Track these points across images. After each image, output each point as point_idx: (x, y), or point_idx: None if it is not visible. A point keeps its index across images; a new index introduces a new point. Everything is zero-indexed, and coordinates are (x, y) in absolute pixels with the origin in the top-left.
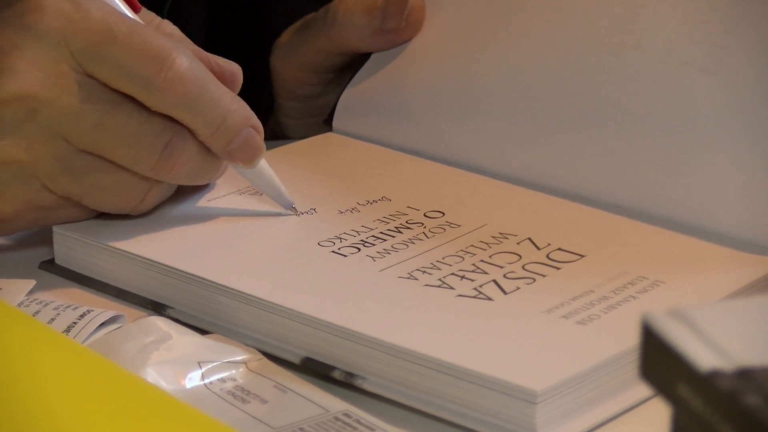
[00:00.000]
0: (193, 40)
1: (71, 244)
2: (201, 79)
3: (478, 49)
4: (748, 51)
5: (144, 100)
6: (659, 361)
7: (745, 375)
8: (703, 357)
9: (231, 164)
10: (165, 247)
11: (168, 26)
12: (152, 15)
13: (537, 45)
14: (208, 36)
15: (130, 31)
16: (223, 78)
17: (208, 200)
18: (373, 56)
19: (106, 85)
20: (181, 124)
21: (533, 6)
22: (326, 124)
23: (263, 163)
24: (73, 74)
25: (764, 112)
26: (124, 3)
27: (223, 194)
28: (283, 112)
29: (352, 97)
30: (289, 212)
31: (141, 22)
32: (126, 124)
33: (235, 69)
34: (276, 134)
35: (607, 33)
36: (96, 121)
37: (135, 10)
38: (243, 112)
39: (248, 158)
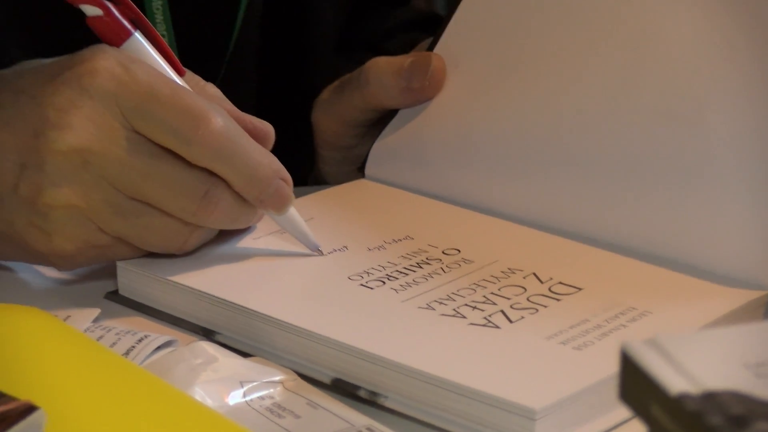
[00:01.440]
0: (244, 100)
1: (133, 277)
2: (235, 136)
3: (491, 105)
4: (732, 103)
5: (184, 154)
6: (636, 385)
7: (710, 398)
8: (674, 382)
9: (264, 211)
10: (213, 280)
11: (211, 88)
12: (197, 78)
13: (543, 102)
14: (259, 95)
15: (172, 92)
16: (256, 135)
17: (249, 240)
18: (401, 112)
19: (151, 140)
20: (219, 176)
21: (541, 65)
22: (360, 171)
23: (292, 210)
24: (122, 130)
25: (745, 160)
26: (170, 67)
27: (262, 235)
28: (323, 161)
29: (382, 147)
30: (315, 254)
31: (184, 84)
32: (169, 175)
33: (267, 127)
34: (317, 180)
35: (608, 90)
36: (142, 172)
37: (180, 73)
38: (273, 165)
39: (278, 206)
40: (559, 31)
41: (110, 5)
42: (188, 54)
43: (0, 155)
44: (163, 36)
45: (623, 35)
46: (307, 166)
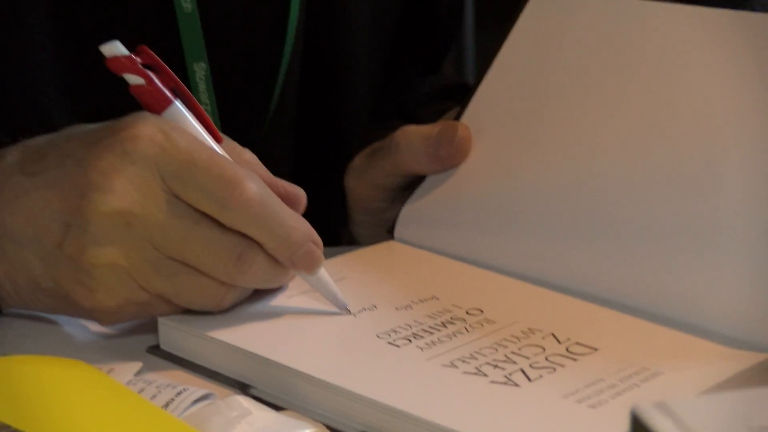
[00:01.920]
0: (282, 163)
1: (173, 333)
2: (268, 201)
3: (514, 173)
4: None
5: (220, 218)
6: None
7: None
8: None
9: (295, 271)
10: (248, 336)
11: (247, 154)
12: (234, 144)
13: (562, 169)
14: (296, 158)
15: (210, 159)
16: (288, 199)
17: (282, 298)
18: (429, 177)
19: (189, 204)
20: (253, 239)
21: (561, 134)
22: (389, 233)
23: (322, 271)
24: (162, 194)
25: (755, 226)
26: (208, 134)
27: (294, 294)
28: (354, 223)
29: (410, 211)
30: (343, 312)
31: (221, 151)
32: (206, 238)
33: (299, 192)
34: (350, 240)
35: (624, 156)
36: (181, 234)
37: (217, 140)
38: (304, 229)
39: (309, 268)
40: (578, 101)
41: (152, 75)
42: (229, 120)
43: (47, 215)
44: (205, 104)
45: (639, 105)
46: (340, 226)
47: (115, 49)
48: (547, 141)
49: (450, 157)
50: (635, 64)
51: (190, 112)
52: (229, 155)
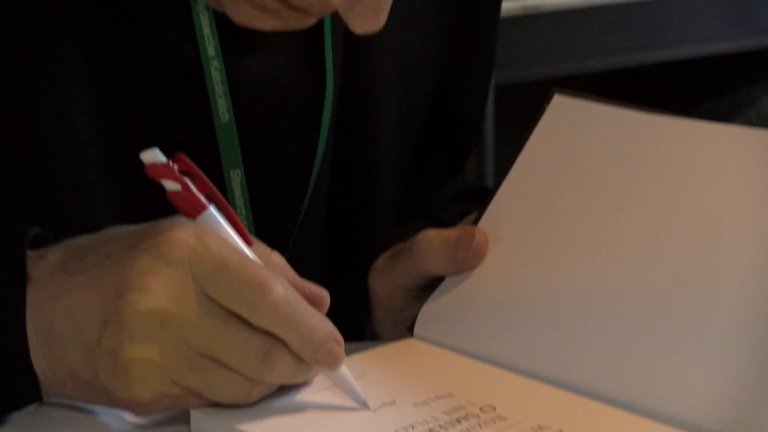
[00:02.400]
0: (311, 261)
1: (205, 424)
2: (293, 303)
3: (528, 275)
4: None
5: (248, 319)
6: None
7: None
8: None
9: (318, 368)
10: (275, 428)
11: (276, 257)
12: (263, 246)
13: (573, 273)
14: (324, 256)
15: (240, 263)
16: (312, 300)
17: (306, 393)
18: (447, 278)
19: (220, 304)
20: (278, 337)
21: (572, 239)
22: (409, 330)
23: (344, 369)
24: (195, 295)
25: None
26: (240, 238)
27: (318, 389)
28: (376, 320)
29: (429, 310)
30: (363, 408)
31: (251, 254)
32: (235, 337)
33: (322, 293)
34: (372, 336)
35: (631, 264)
36: (211, 333)
37: (248, 243)
38: (327, 329)
39: (331, 365)
40: (589, 208)
41: (188, 181)
42: (262, 223)
43: (87, 312)
44: (240, 208)
45: (646, 214)
46: (363, 322)
47: (154, 156)
48: (559, 246)
49: (467, 260)
50: (644, 174)
51: (224, 217)
52: (258, 258)
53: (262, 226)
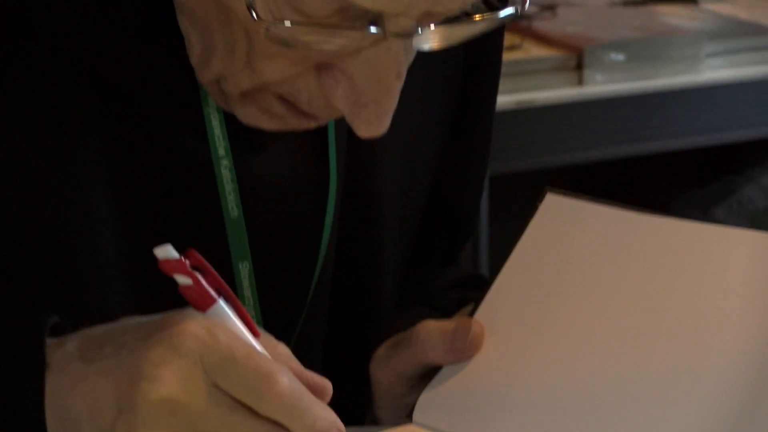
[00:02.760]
0: (315, 349)
1: None
2: (297, 393)
3: (523, 364)
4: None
5: (254, 407)
6: None
7: None
8: None
9: None
10: None
11: (281, 348)
12: (270, 337)
13: (562, 364)
14: (327, 344)
15: (247, 354)
16: (315, 390)
17: None
18: (445, 367)
19: (228, 394)
20: (283, 426)
21: (565, 330)
22: (408, 417)
23: None
24: (204, 384)
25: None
26: (247, 330)
27: None
28: (377, 406)
29: (428, 397)
30: None
31: (258, 345)
32: (242, 425)
33: (325, 383)
34: (373, 421)
35: (621, 355)
36: (220, 421)
37: (255, 335)
38: (329, 418)
39: None
40: (580, 302)
41: (199, 276)
42: (269, 313)
43: (102, 399)
44: (248, 299)
45: (634, 308)
46: (364, 408)
47: (167, 252)
48: (553, 338)
49: (464, 350)
50: (632, 271)
51: (232, 310)
52: (265, 349)
53: (270, 316)
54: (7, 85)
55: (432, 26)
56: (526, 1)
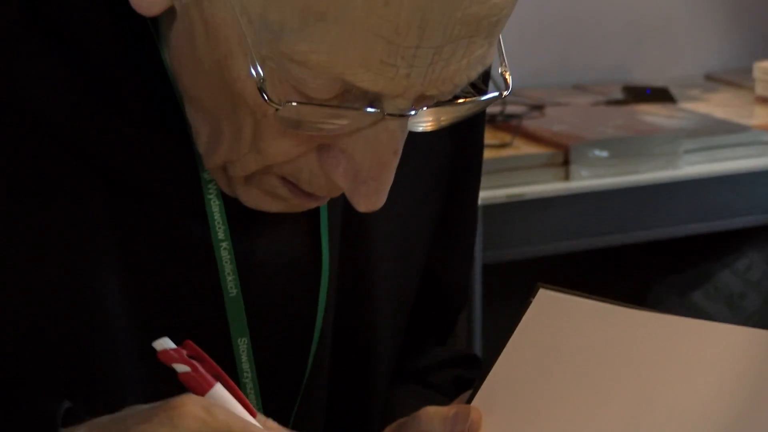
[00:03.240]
0: (315, 421)
1: None
2: None
3: None
4: None
5: None
6: None
7: None
8: None
9: None
10: None
11: (272, 423)
12: (264, 417)
13: None
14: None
15: (243, 429)
16: None
17: None
18: None
19: None
20: None
21: (555, 417)
22: None
23: None
24: None
25: None
26: (244, 409)
27: None
28: None
29: None
30: None
31: (254, 422)
32: None
33: None
34: None
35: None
36: None
37: (252, 414)
38: None
39: None
40: (572, 391)
41: (197, 364)
42: (268, 387)
43: None
44: (246, 372)
45: (623, 399)
46: None
47: (165, 343)
48: (545, 423)
49: None
50: (620, 363)
51: (228, 391)
52: (261, 424)
53: (269, 390)
54: (27, 183)
55: (425, 108)
56: (508, 87)
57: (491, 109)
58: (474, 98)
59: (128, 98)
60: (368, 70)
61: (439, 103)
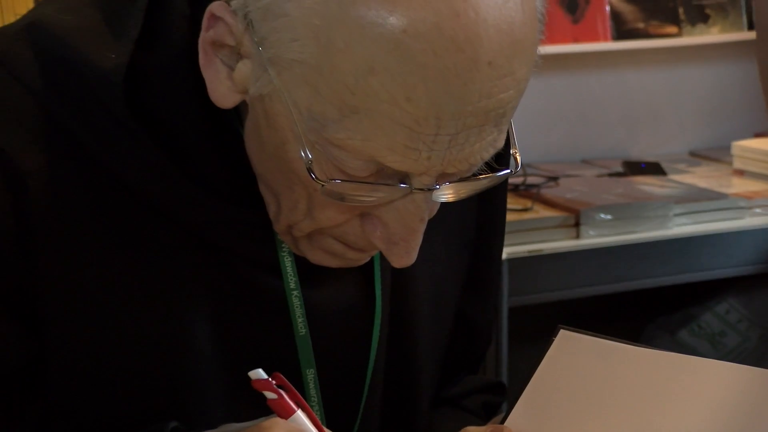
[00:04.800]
0: None
1: None
2: None
3: None
4: None
5: None
6: None
7: None
8: None
9: None
10: None
11: None
12: None
13: None
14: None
15: None
16: None
17: None
18: None
19: None
20: None
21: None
22: None
23: None
24: None
25: None
26: (317, 430)
27: None
28: None
29: None
30: None
31: None
32: None
33: None
34: None
35: None
36: None
37: None
38: None
39: None
40: (589, 415)
41: (283, 392)
42: (332, 411)
43: None
44: (313, 398)
45: (633, 413)
46: None
47: (258, 374)
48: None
49: None
50: (627, 391)
51: (306, 416)
52: None
53: (331, 414)
54: (134, 244)
55: (447, 183)
56: (518, 166)
57: (514, 180)
58: (487, 175)
59: (213, 175)
60: (395, 153)
61: (459, 180)
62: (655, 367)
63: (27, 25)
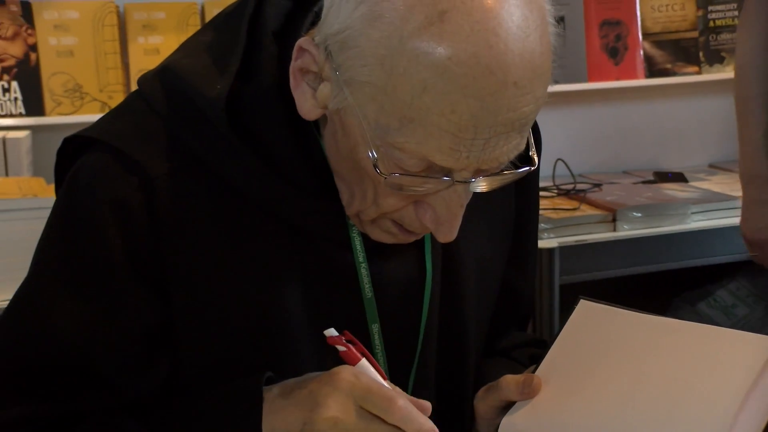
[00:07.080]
0: (428, 386)
1: None
2: (409, 408)
3: (568, 403)
4: None
5: (385, 419)
6: None
7: None
8: None
9: None
10: None
11: (398, 388)
12: (392, 384)
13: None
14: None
15: (379, 387)
16: (420, 409)
17: None
18: (518, 402)
19: (368, 411)
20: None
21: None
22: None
23: None
24: (354, 407)
25: None
26: (379, 375)
27: None
28: (477, 425)
29: (507, 421)
30: None
31: (384, 383)
32: (377, 429)
33: (427, 404)
34: None
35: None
36: (364, 428)
37: (383, 378)
38: (429, 424)
39: None
40: (611, 371)
41: (351, 346)
42: (393, 360)
43: (292, 421)
44: (377, 348)
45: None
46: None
47: (331, 332)
48: (586, 387)
49: (529, 393)
50: (649, 361)
51: (369, 363)
52: (388, 385)
53: (393, 364)
54: (240, 235)
55: (481, 177)
56: (535, 164)
57: (567, 186)
58: (512, 171)
59: (299, 175)
60: (442, 153)
61: (490, 174)
62: (656, 331)
63: (161, 69)
